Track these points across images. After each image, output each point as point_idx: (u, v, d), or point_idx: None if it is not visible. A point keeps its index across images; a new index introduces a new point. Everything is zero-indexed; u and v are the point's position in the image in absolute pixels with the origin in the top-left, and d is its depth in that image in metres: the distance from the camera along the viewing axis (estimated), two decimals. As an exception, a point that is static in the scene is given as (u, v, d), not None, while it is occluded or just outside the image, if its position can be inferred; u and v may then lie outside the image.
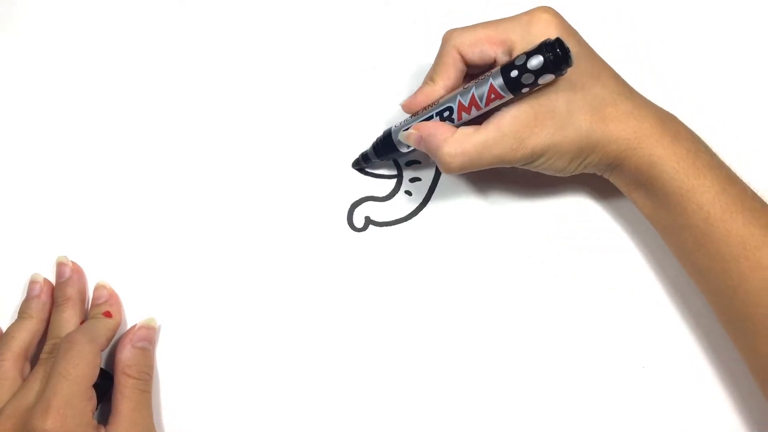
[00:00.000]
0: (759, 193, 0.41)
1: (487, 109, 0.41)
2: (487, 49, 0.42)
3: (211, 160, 0.50)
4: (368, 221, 0.48)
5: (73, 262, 0.48)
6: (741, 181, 0.41)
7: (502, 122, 0.41)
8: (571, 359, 0.45)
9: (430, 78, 0.43)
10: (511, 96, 0.40)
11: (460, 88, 0.42)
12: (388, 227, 0.48)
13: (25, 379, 0.43)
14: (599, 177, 0.45)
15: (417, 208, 0.48)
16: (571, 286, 0.46)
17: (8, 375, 0.43)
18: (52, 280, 0.48)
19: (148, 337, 0.46)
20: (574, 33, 0.42)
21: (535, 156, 0.41)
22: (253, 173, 0.50)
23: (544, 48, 0.38)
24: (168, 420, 0.46)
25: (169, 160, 0.51)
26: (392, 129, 0.46)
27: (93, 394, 0.42)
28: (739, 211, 0.39)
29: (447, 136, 0.41)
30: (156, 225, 0.49)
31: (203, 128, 0.51)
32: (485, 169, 0.48)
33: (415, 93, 0.44)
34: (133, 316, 0.48)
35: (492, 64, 0.42)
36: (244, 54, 0.52)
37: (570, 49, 0.38)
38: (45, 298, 0.47)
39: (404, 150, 0.45)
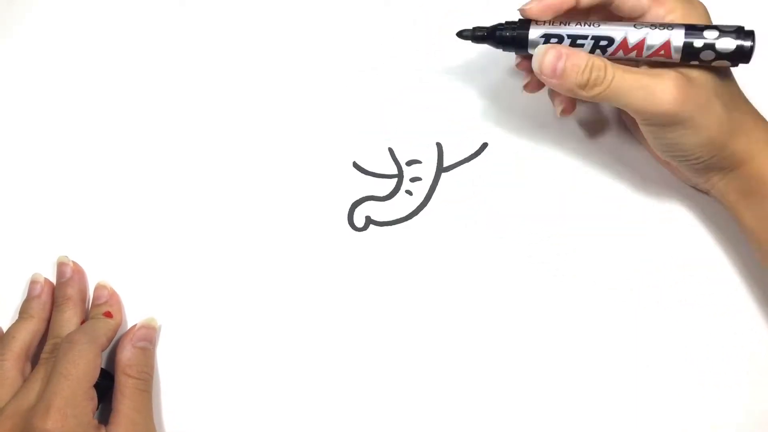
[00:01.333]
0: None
1: (644, 60, 0.40)
2: (654, 5, 0.40)
3: (212, 159, 0.50)
4: (369, 221, 0.48)
5: (73, 262, 0.48)
6: None
7: (658, 74, 0.39)
8: (572, 359, 0.45)
9: None
10: (677, 62, 0.39)
11: (629, 25, 0.40)
12: (389, 227, 0.48)
13: (25, 379, 0.43)
14: (600, 178, 0.45)
15: (417, 207, 0.48)
16: (571, 286, 0.46)
17: (9, 375, 0.43)
18: (53, 280, 0.48)
19: (148, 337, 0.46)
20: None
21: (676, 119, 0.39)
22: (254, 173, 0.50)
23: (739, 34, 0.37)
24: (168, 420, 0.46)
25: (170, 160, 0.50)
26: (530, 30, 0.41)
27: (94, 394, 0.42)
28: None
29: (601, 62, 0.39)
30: (156, 225, 0.49)
31: (204, 128, 0.51)
32: (487, 168, 0.49)
33: None
34: (133, 316, 0.48)
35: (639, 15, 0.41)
36: (245, 54, 0.52)
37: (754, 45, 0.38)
38: (46, 298, 0.47)
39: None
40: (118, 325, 0.46)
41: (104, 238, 0.49)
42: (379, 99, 0.50)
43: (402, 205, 0.49)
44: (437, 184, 0.49)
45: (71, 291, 0.47)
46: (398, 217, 0.48)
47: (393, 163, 0.49)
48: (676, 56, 0.39)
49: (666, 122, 0.40)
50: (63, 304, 0.46)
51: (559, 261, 0.47)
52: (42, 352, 0.44)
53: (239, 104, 0.51)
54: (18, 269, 0.49)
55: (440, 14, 0.52)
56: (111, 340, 0.45)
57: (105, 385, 0.44)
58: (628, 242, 0.47)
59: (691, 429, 0.44)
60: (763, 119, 0.42)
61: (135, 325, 0.46)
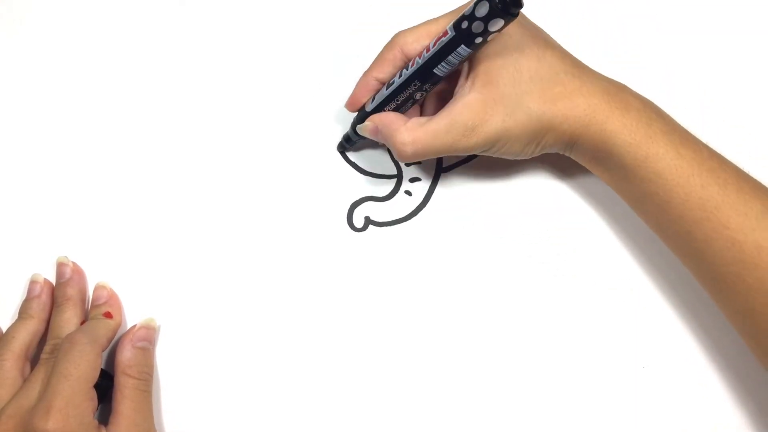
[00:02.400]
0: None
1: (446, 72, 0.42)
2: (427, 42, 0.43)
3: (211, 159, 0.50)
4: (368, 221, 0.48)
5: (73, 263, 0.48)
6: (697, 141, 0.41)
7: (453, 111, 0.42)
8: (571, 359, 0.45)
9: (367, 71, 0.46)
10: (468, 50, 0.40)
11: (421, 77, 0.42)
12: (388, 227, 0.48)
13: (25, 380, 0.43)
14: (600, 179, 0.45)
15: (417, 208, 0.48)
16: (571, 286, 0.46)
17: (9, 375, 0.43)
18: (52, 280, 0.48)
19: (148, 337, 0.46)
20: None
21: (488, 143, 0.42)
22: (253, 173, 0.50)
23: None
24: (168, 420, 0.46)
25: (169, 161, 0.51)
26: (354, 120, 0.47)
27: (94, 394, 0.42)
28: (695, 173, 0.40)
29: (399, 125, 0.43)
30: (156, 225, 0.49)
31: (203, 128, 0.51)
32: (486, 168, 0.48)
33: (354, 89, 0.46)
34: (133, 316, 0.48)
35: None
36: (244, 54, 0.52)
37: None
38: (45, 298, 0.47)
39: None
40: (118, 326, 0.46)
41: (103, 239, 0.49)
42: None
43: (401, 205, 0.49)
44: (436, 185, 0.49)
45: (71, 291, 0.47)
46: (398, 217, 0.48)
47: (392, 163, 0.49)
48: (464, 50, 0.39)
49: (480, 150, 0.43)
50: (63, 305, 0.46)
51: (559, 261, 0.47)
52: (42, 352, 0.44)
53: (239, 104, 0.51)
54: (18, 269, 0.49)
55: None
56: (111, 341, 0.45)
57: (105, 386, 0.44)
58: (628, 242, 0.47)
59: (691, 429, 0.44)
60: (585, 90, 0.42)
61: (135, 326, 0.46)
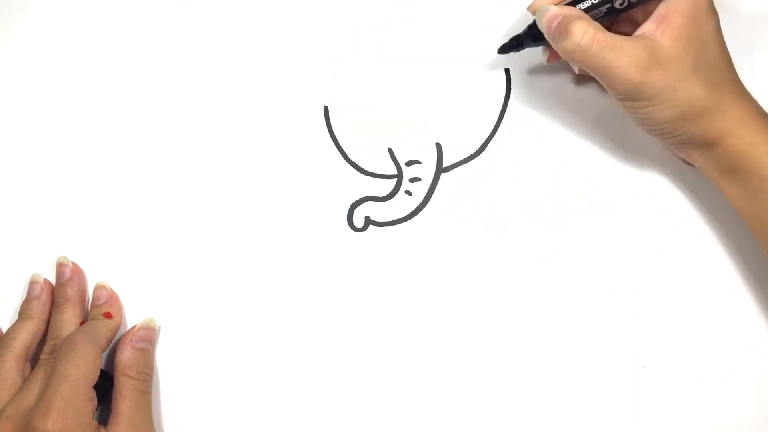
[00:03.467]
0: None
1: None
2: None
3: (211, 160, 0.50)
4: (368, 221, 0.48)
5: (73, 263, 0.48)
6: None
7: (646, 40, 0.41)
8: (571, 359, 0.45)
9: None
10: None
11: None
12: (388, 227, 0.48)
13: (25, 380, 0.43)
14: (601, 180, 0.45)
15: (417, 208, 0.48)
16: (571, 286, 0.46)
17: (9, 375, 0.43)
18: (52, 280, 0.48)
19: (147, 338, 0.46)
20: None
21: (648, 91, 0.41)
22: (253, 173, 0.50)
23: None
24: (168, 420, 0.46)
25: (169, 161, 0.50)
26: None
27: (94, 395, 0.42)
28: None
29: (587, 18, 0.41)
30: (156, 225, 0.49)
31: (203, 128, 0.51)
32: (486, 168, 0.48)
33: None
34: (132, 316, 0.48)
35: None
36: (245, 54, 0.52)
37: None
38: (45, 298, 0.47)
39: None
40: (118, 326, 0.46)
41: (103, 239, 0.49)
42: (379, 99, 0.50)
43: (401, 205, 0.49)
44: (437, 185, 0.49)
45: (71, 292, 0.47)
46: (398, 217, 0.48)
47: (392, 163, 0.49)
48: None
49: (630, 96, 0.41)
50: (62, 305, 0.46)
51: (559, 261, 0.47)
52: (41, 352, 0.44)
53: (239, 104, 0.51)
54: (17, 269, 0.49)
55: (440, 15, 0.52)
56: (111, 341, 0.45)
57: (105, 386, 0.44)
58: (628, 242, 0.47)
59: (691, 429, 0.44)
60: (746, 97, 0.42)
61: (134, 326, 0.46)
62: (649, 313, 0.46)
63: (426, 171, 0.49)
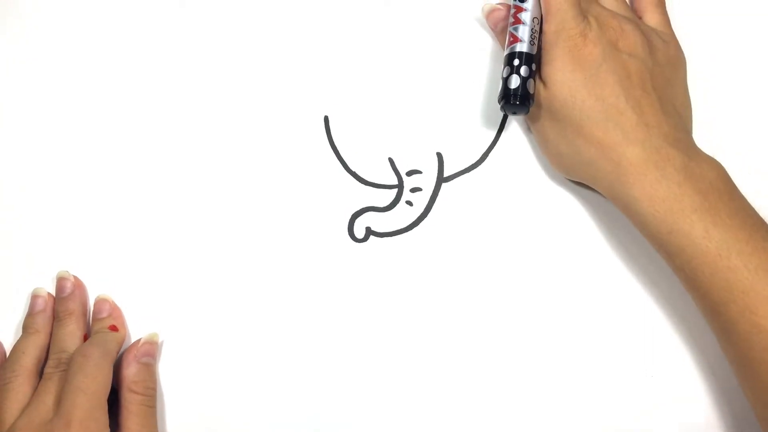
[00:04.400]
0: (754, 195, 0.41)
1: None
2: None
3: (211, 169, 0.50)
4: (369, 232, 0.48)
5: (74, 277, 0.48)
6: (735, 220, 0.39)
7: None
8: (579, 368, 0.45)
9: None
10: None
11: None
12: (389, 238, 0.48)
13: (33, 395, 0.43)
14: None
15: (418, 218, 0.48)
16: (576, 296, 0.46)
17: (21, 390, 0.43)
18: (51, 291, 0.48)
19: (151, 353, 0.46)
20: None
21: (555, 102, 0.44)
22: (253, 184, 0.49)
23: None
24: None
25: (169, 169, 0.50)
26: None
27: (107, 407, 0.42)
28: (724, 256, 0.38)
29: None
30: (155, 233, 0.49)
31: (203, 134, 0.50)
32: (488, 178, 0.48)
33: None
34: (134, 326, 0.48)
35: None
36: (245, 56, 0.52)
37: None
38: (50, 312, 0.47)
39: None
40: (124, 338, 0.47)
41: (102, 249, 0.49)
42: (379, 109, 0.50)
43: (402, 215, 0.48)
44: (438, 195, 0.49)
45: (73, 305, 0.47)
46: (399, 228, 0.48)
47: (393, 173, 0.49)
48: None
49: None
50: (65, 319, 0.46)
51: (563, 271, 0.47)
52: (45, 366, 0.44)
53: (238, 114, 0.51)
54: (17, 279, 0.49)
55: (440, 24, 0.51)
56: (118, 354, 0.45)
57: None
58: (631, 251, 0.47)
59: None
60: (615, 143, 0.42)
61: (138, 341, 0.46)
62: (657, 321, 0.46)
63: (427, 181, 0.49)
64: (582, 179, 0.45)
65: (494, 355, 0.46)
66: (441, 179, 0.49)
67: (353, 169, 0.49)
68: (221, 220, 0.49)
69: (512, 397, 0.45)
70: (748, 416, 0.44)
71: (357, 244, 0.48)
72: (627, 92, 0.42)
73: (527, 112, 0.44)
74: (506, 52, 0.45)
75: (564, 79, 0.43)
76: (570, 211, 0.48)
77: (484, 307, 0.47)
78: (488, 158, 0.49)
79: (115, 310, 0.47)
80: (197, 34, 0.52)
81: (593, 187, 0.45)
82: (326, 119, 0.50)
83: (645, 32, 0.45)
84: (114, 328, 0.46)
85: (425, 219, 0.48)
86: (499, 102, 0.44)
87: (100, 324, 0.46)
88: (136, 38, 0.53)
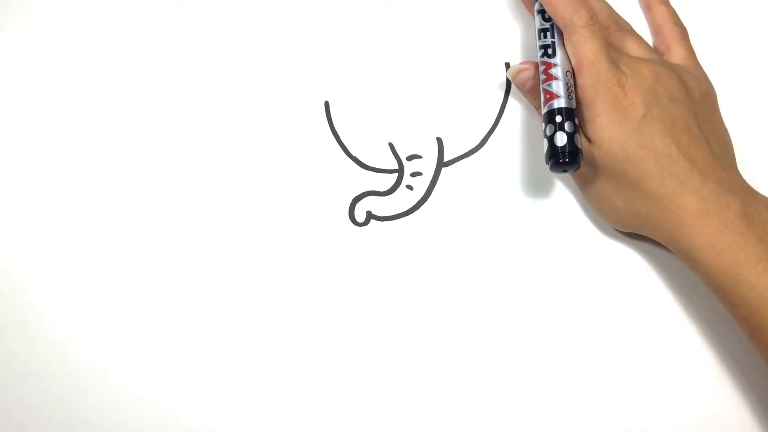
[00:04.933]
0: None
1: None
2: None
3: (212, 157, 0.50)
4: (369, 216, 0.48)
5: None
6: None
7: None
8: (574, 352, 0.45)
9: None
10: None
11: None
12: (390, 222, 0.48)
13: None
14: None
15: (418, 202, 0.48)
16: (573, 279, 0.46)
17: None
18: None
19: None
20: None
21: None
22: (254, 169, 0.50)
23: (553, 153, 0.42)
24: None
25: (169, 158, 0.50)
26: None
27: None
28: None
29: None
30: (157, 226, 0.49)
31: (204, 126, 0.51)
32: (487, 162, 0.49)
33: None
34: (135, 324, 0.48)
35: None
36: (245, 50, 0.52)
37: None
38: None
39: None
40: None
41: (103, 248, 0.49)
42: (380, 94, 0.50)
43: (403, 199, 0.49)
44: (438, 179, 0.49)
45: None
46: (399, 212, 0.48)
47: (393, 157, 0.49)
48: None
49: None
50: None
51: (561, 254, 0.47)
52: None
53: (239, 101, 0.51)
54: (17, 279, 0.49)
55: (440, 9, 0.52)
56: None
57: None
58: (630, 234, 0.47)
59: (694, 422, 0.44)
60: (674, 195, 0.41)
61: None
62: (652, 305, 0.46)
63: (427, 165, 0.49)
64: (641, 231, 0.44)
65: (491, 339, 0.46)
66: (441, 164, 0.49)
67: (354, 153, 0.50)
68: (223, 206, 0.49)
69: (509, 380, 0.45)
70: (743, 397, 0.44)
71: (358, 228, 0.48)
72: (676, 139, 0.41)
73: (578, 168, 0.42)
74: (544, 111, 0.43)
75: (612, 134, 0.42)
76: (569, 196, 0.48)
77: (482, 291, 0.47)
78: (488, 143, 0.49)
79: None
80: (197, 29, 0.53)
81: (653, 238, 0.44)
82: (327, 104, 0.50)
83: (678, 72, 0.44)
84: None
85: (425, 203, 0.48)
86: (546, 162, 0.43)
87: None
88: (136, 38, 0.53)
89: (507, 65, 0.50)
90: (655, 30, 0.49)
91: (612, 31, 0.46)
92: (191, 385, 0.46)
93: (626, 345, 0.45)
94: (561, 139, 0.42)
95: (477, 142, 0.49)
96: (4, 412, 0.47)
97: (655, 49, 0.47)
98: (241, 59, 0.52)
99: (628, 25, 0.47)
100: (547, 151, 0.43)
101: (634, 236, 0.46)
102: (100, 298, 0.48)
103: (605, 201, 0.44)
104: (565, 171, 0.43)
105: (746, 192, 0.41)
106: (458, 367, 0.45)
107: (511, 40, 0.50)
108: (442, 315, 0.46)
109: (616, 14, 0.47)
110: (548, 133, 0.43)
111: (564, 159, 0.42)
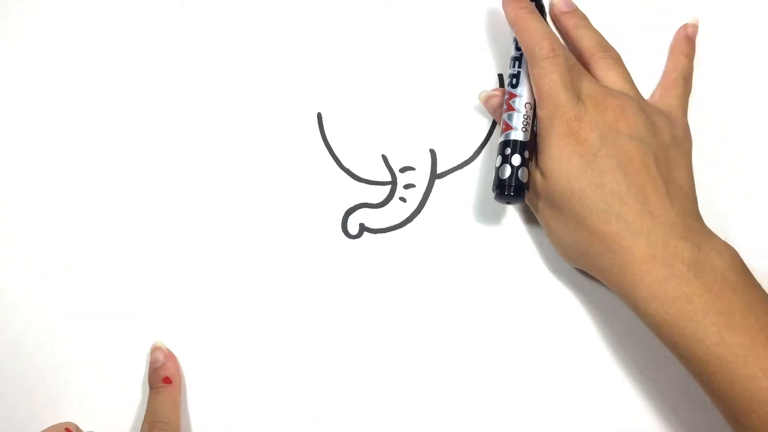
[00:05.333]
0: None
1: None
2: None
3: (205, 166, 0.50)
4: (362, 228, 0.48)
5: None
6: (755, 321, 0.36)
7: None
8: (569, 364, 0.46)
9: None
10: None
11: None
12: (383, 234, 0.48)
13: None
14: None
15: (412, 214, 0.48)
16: (568, 291, 0.46)
17: None
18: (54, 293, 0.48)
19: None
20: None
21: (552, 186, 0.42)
22: (247, 181, 0.50)
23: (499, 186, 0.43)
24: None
25: (163, 166, 0.50)
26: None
27: None
28: (741, 363, 0.36)
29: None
30: (153, 234, 0.49)
31: (198, 134, 0.51)
32: (480, 174, 0.49)
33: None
34: (133, 325, 0.48)
35: None
36: (240, 60, 0.52)
37: None
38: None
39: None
40: (180, 385, 0.46)
41: (103, 248, 0.49)
42: (373, 106, 0.50)
43: (396, 212, 0.49)
44: (431, 191, 0.49)
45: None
46: (392, 224, 0.48)
47: (386, 169, 0.49)
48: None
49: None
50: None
51: (555, 267, 0.47)
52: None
53: (233, 110, 0.51)
54: (17, 279, 0.49)
55: (434, 24, 0.51)
56: (179, 398, 0.46)
57: None
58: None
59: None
60: (620, 236, 0.39)
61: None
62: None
63: (420, 177, 0.49)
64: (588, 270, 0.43)
65: (484, 351, 0.46)
66: (434, 175, 0.49)
67: (347, 165, 0.49)
68: (215, 217, 0.49)
69: (503, 393, 0.45)
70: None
71: (351, 240, 0.48)
72: (629, 178, 0.39)
73: (521, 201, 0.43)
74: (500, 140, 0.44)
75: (561, 167, 0.40)
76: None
77: (476, 303, 0.47)
78: (481, 154, 0.49)
79: (169, 359, 0.46)
80: (197, 33, 0.53)
81: (599, 279, 0.42)
82: (319, 116, 0.50)
83: (648, 112, 0.42)
84: (167, 380, 0.46)
85: (419, 215, 0.48)
86: (493, 191, 0.43)
87: (156, 376, 0.46)
88: (136, 38, 0.53)
89: (500, 77, 0.49)
90: (665, 73, 0.48)
91: (597, 58, 0.45)
92: (191, 385, 0.47)
93: (622, 357, 0.45)
94: (506, 171, 0.42)
95: (470, 154, 0.49)
96: (4, 412, 0.48)
97: (635, 86, 0.45)
98: (235, 69, 0.51)
99: (616, 53, 0.46)
100: (494, 181, 0.43)
101: (585, 274, 0.45)
102: (100, 298, 0.49)
103: (554, 235, 0.43)
104: (509, 203, 0.44)
105: (700, 236, 0.39)
106: (451, 378, 0.46)
107: (504, 53, 0.49)
108: (436, 327, 0.47)
109: (605, 42, 0.46)
110: (497, 165, 0.43)
111: (507, 192, 0.42)
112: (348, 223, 0.48)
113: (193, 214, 0.49)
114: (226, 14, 0.53)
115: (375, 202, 0.49)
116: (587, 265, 0.42)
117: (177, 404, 0.45)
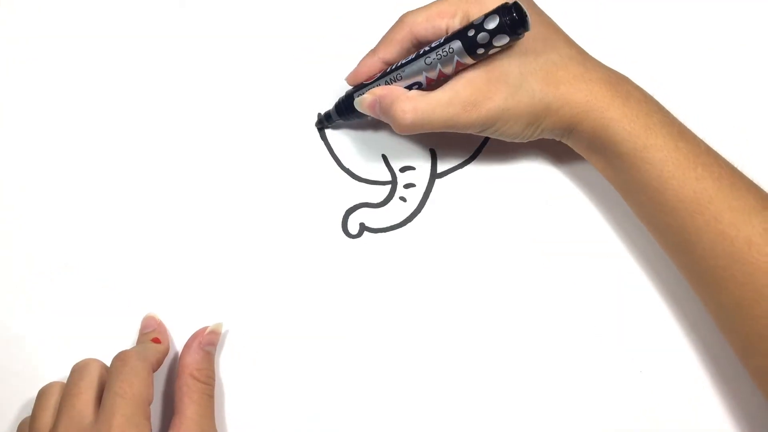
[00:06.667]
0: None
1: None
2: (438, 22, 0.43)
3: (205, 166, 0.50)
4: (363, 227, 0.48)
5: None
6: (694, 136, 0.42)
7: (456, 85, 0.42)
8: (568, 364, 0.46)
9: (373, 51, 0.45)
10: (470, 60, 0.40)
11: (423, 66, 0.42)
12: (383, 233, 0.48)
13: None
14: (598, 179, 0.45)
15: (412, 214, 0.49)
16: (567, 292, 0.47)
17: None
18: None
19: (214, 342, 0.46)
20: (531, 1, 0.43)
21: (489, 121, 0.42)
22: (247, 181, 0.50)
23: (501, 11, 0.38)
24: None
25: (167, 165, 0.50)
26: (354, 92, 0.46)
27: (150, 414, 0.41)
28: (691, 166, 0.40)
29: (400, 94, 0.43)
30: (153, 233, 0.49)
31: (197, 134, 0.51)
32: (480, 173, 0.48)
33: (357, 65, 0.46)
34: (132, 324, 0.48)
35: (444, 35, 0.42)
36: (244, 56, 0.52)
37: (527, 13, 0.38)
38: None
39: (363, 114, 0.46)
40: (167, 351, 0.46)
41: (103, 248, 0.49)
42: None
43: (396, 211, 0.49)
44: (431, 191, 0.49)
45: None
46: (392, 223, 0.48)
47: (387, 169, 0.49)
48: (465, 57, 0.40)
49: (479, 129, 0.43)
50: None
51: (555, 267, 0.47)
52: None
53: (232, 111, 0.51)
54: (17, 279, 0.49)
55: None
56: (160, 364, 0.44)
57: None
58: (625, 247, 0.47)
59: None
60: (588, 78, 0.42)
61: (203, 328, 0.46)
62: (647, 316, 0.46)
63: (420, 177, 0.49)
64: (546, 126, 0.43)
65: (485, 350, 0.46)
66: (434, 175, 0.49)
67: (347, 165, 0.50)
68: (215, 218, 0.49)
69: (503, 392, 0.45)
70: (737, 409, 0.44)
71: (351, 240, 0.48)
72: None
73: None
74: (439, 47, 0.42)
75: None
76: (563, 206, 0.48)
77: (476, 302, 0.47)
78: (481, 154, 0.49)
79: (160, 326, 0.47)
80: (197, 34, 0.53)
81: (558, 129, 0.43)
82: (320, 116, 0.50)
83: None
84: (156, 341, 0.46)
85: (419, 215, 0.48)
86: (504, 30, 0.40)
87: (145, 337, 0.46)
88: (137, 38, 0.53)
89: None
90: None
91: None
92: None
93: (621, 357, 0.45)
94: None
95: (470, 154, 0.49)
96: (4, 412, 0.48)
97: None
98: (236, 69, 0.52)
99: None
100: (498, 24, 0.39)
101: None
102: (100, 298, 0.49)
103: (510, 114, 0.43)
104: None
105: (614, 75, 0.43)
106: (452, 377, 0.46)
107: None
108: (436, 326, 0.47)
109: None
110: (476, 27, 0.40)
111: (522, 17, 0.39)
112: (348, 223, 0.49)
113: (193, 214, 0.49)
114: (226, 14, 0.53)
115: (375, 202, 0.49)
116: (548, 115, 0.43)
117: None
